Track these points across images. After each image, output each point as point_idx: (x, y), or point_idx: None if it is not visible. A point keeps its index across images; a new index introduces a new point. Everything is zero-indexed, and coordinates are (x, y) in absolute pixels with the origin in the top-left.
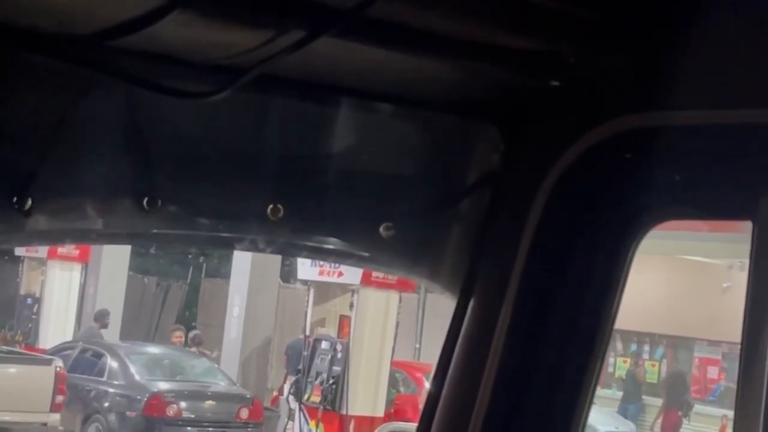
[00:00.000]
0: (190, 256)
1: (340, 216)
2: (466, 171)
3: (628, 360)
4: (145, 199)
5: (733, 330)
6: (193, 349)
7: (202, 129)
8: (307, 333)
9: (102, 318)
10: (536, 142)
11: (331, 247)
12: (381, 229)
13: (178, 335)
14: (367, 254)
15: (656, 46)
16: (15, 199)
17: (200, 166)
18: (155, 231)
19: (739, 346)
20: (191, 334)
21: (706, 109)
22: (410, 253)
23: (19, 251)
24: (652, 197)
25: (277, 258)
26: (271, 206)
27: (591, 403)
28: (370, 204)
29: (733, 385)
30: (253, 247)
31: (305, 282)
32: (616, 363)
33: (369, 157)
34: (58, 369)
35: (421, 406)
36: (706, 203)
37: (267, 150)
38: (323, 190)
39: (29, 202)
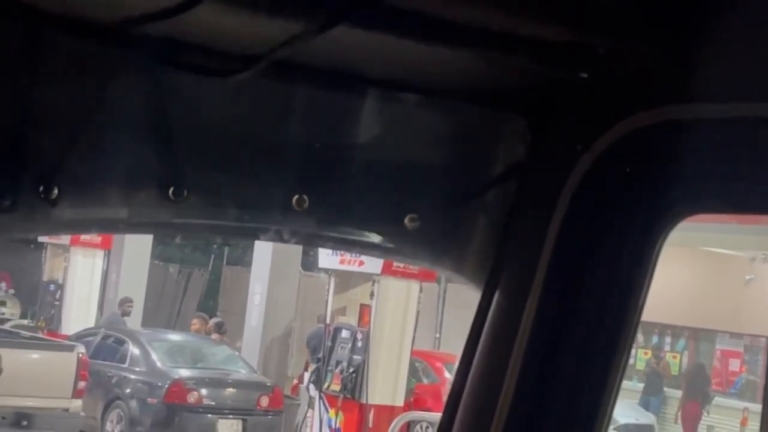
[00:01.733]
0: (215, 245)
1: (365, 207)
2: (492, 162)
3: (650, 352)
4: (171, 189)
5: (756, 322)
6: (215, 336)
7: (228, 120)
8: (328, 321)
9: (125, 305)
10: (564, 134)
11: (355, 238)
12: (406, 221)
13: (199, 323)
14: (391, 245)
15: (687, 37)
16: (41, 188)
17: (226, 156)
18: (181, 221)
19: (761, 339)
20: (213, 321)
21: (737, 102)
22: (435, 245)
23: (42, 237)
24: (681, 190)
25: (299, 247)
26: (296, 197)
27: (616, 397)
28: (396, 195)
29: (755, 378)
30: (278, 238)
31: (326, 271)
32: (637, 355)
33: (395, 147)
34: (80, 355)
35: (441, 396)
36: (737, 196)
37: (292, 140)
38: (348, 180)
39: (55, 191)
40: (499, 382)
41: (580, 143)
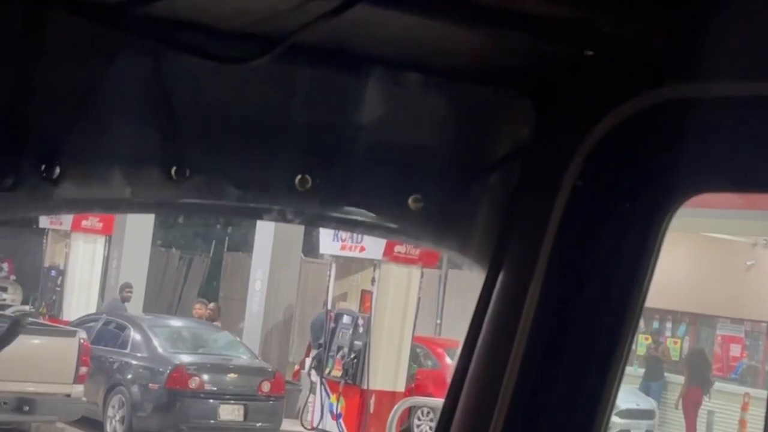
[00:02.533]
0: (217, 227)
1: (368, 187)
2: (496, 143)
3: (650, 337)
4: (174, 169)
5: (757, 308)
6: (217, 323)
7: (232, 99)
8: (329, 307)
9: (124, 291)
10: (568, 114)
11: (359, 218)
12: (410, 201)
13: (201, 308)
14: (395, 226)
15: (693, 15)
16: (43, 167)
17: (229, 136)
18: (183, 201)
19: (761, 324)
20: (212, 305)
21: (743, 80)
22: (439, 226)
23: (44, 223)
24: (686, 169)
25: (300, 232)
26: (299, 177)
27: (620, 381)
28: (399, 175)
29: (756, 363)
30: (281, 218)
31: (328, 256)
32: (638, 340)
33: (399, 128)
34: (81, 341)
35: (442, 382)
36: (743, 174)
37: (296, 121)
38: (352, 161)
39: (57, 170)
40: (503, 364)
41: (584, 123)
